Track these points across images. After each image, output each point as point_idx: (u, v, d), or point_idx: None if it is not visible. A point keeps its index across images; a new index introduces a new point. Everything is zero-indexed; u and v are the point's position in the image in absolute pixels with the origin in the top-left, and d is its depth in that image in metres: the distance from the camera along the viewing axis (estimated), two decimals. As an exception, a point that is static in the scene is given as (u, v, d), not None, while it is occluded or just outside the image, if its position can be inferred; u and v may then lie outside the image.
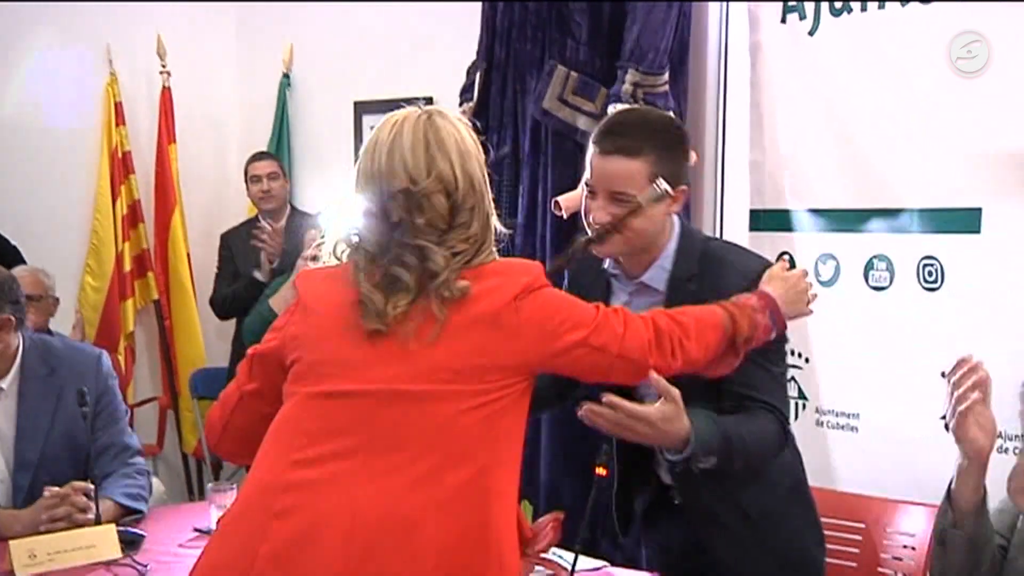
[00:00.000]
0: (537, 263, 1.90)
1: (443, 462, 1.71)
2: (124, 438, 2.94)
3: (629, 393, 2.13)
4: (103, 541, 2.51)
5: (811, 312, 2.17)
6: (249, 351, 1.95)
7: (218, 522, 1.83)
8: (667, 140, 2.18)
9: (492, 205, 1.85)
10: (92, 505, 2.63)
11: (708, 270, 2.20)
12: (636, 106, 2.86)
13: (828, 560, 2.66)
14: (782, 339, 2.19)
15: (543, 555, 2.13)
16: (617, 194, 2.13)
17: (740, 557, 2.25)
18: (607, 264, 2.31)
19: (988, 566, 2.08)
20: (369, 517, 1.68)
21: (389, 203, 1.77)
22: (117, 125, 5.07)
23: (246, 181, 4.91)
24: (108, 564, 2.47)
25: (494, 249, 1.84)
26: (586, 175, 2.18)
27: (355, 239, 1.82)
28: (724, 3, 3.54)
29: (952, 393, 2.04)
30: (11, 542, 2.44)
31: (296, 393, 1.80)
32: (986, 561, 2.08)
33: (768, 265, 2.22)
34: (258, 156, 4.97)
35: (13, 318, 2.74)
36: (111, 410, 2.92)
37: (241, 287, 4.58)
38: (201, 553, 1.80)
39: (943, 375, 2.06)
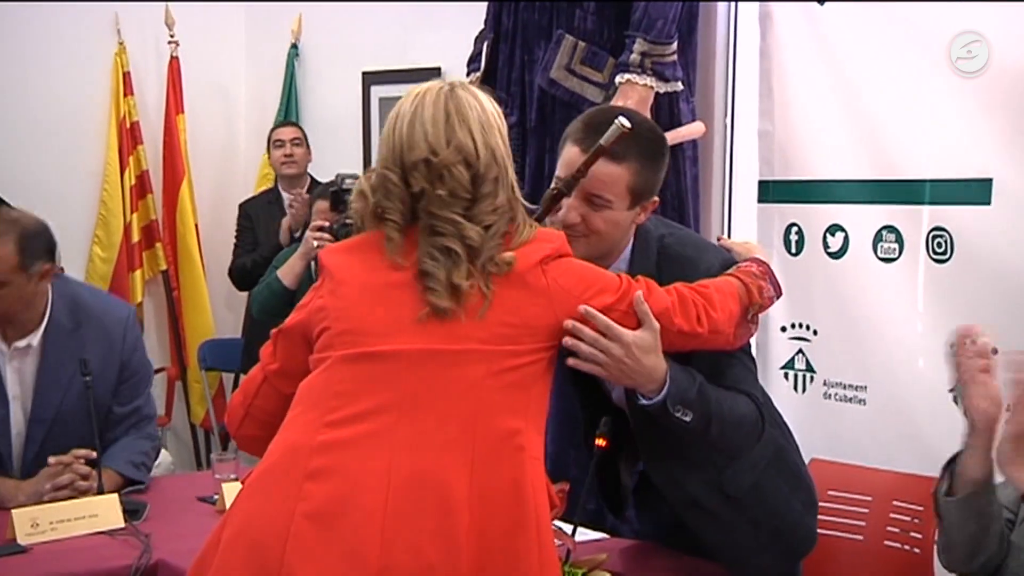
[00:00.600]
0: (561, 233, 1.92)
1: (474, 423, 1.73)
2: (144, 407, 2.95)
3: (598, 386, 2.10)
4: (106, 510, 2.51)
5: None
6: (273, 332, 1.96)
7: (243, 482, 1.84)
8: (651, 150, 2.13)
9: (515, 177, 1.87)
10: (94, 473, 2.63)
11: (667, 270, 2.13)
12: (621, 106, 2.70)
13: (835, 534, 2.66)
14: None
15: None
16: (594, 196, 2.08)
17: (727, 536, 2.22)
18: None
19: (996, 541, 2.06)
20: (404, 477, 1.70)
21: (411, 173, 1.80)
22: (125, 95, 5.07)
23: (269, 148, 4.92)
24: (111, 533, 2.46)
25: (534, 224, 1.87)
26: (558, 171, 2.11)
27: (379, 210, 1.83)
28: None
29: (956, 364, 2.02)
30: (13, 511, 2.44)
31: (326, 358, 1.81)
32: (994, 536, 2.05)
33: (728, 256, 2.19)
34: (283, 123, 5.00)
35: (54, 266, 2.77)
36: (136, 380, 2.93)
37: (265, 252, 4.55)
38: (228, 513, 1.81)
39: (950, 346, 2.05)
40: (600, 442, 2.25)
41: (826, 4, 3.24)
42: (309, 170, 4.99)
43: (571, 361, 1.87)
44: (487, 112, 1.84)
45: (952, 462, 2.08)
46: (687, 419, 2.01)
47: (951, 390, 2.09)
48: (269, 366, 1.95)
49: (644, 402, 2.02)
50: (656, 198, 2.18)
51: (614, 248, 2.17)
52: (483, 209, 1.81)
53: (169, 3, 5.11)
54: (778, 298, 2.14)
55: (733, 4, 3.58)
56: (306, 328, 1.87)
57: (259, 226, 4.80)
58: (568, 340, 1.85)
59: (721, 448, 2.14)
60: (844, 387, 3.30)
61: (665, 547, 2.40)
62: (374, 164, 1.88)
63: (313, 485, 1.70)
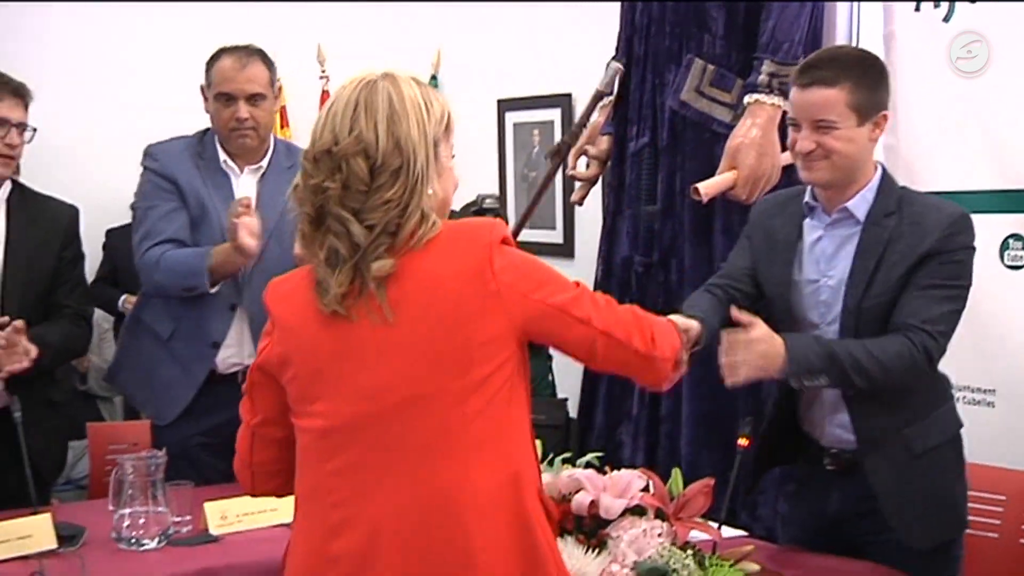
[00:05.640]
0: (490, 219, 1.75)
1: (464, 460, 1.65)
2: None
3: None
4: (37, 531, 2.42)
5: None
6: (244, 387, 1.87)
7: None
8: (862, 69, 2.27)
9: (430, 171, 1.68)
10: None
11: (907, 210, 2.26)
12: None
13: (971, 532, 2.61)
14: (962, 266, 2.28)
15: (696, 520, 2.14)
16: (819, 122, 2.23)
17: (895, 486, 2.27)
18: (806, 197, 2.37)
19: None
20: (417, 527, 1.64)
21: (316, 164, 1.68)
22: (282, 127, 5.25)
23: None
24: (42, 557, 2.37)
25: (436, 220, 1.69)
26: (790, 113, 2.34)
27: (299, 200, 1.72)
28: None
29: None
30: None
31: (301, 429, 1.74)
32: None
33: (956, 210, 2.29)
34: None
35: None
36: None
37: None
38: None
39: None
40: (742, 441, 2.28)
41: (951, 21, 3.19)
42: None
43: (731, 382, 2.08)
44: (404, 101, 1.67)
45: None
46: (823, 382, 2.17)
47: None
48: (252, 420, 1.85)
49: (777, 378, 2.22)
50: (886, 112, 2.31)
51: (856, 170, 2.29)
52: (373, 203, 1.65)
53: (320, 40, 5.28)
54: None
55: (856, 24, 3.55)
56: (274, 373, 1.77)
57: None
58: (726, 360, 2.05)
59: (879, 388, 2.23)
60: (972, 391, 3.23)
61: (813, 550, 2.40)
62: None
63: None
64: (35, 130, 2.94)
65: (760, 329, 2.14)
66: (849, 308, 2.27)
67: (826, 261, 2.35)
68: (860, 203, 2.30)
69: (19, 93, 2.89)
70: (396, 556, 1.64)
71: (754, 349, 2.12)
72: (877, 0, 3.42)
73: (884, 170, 2.36)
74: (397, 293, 1.65)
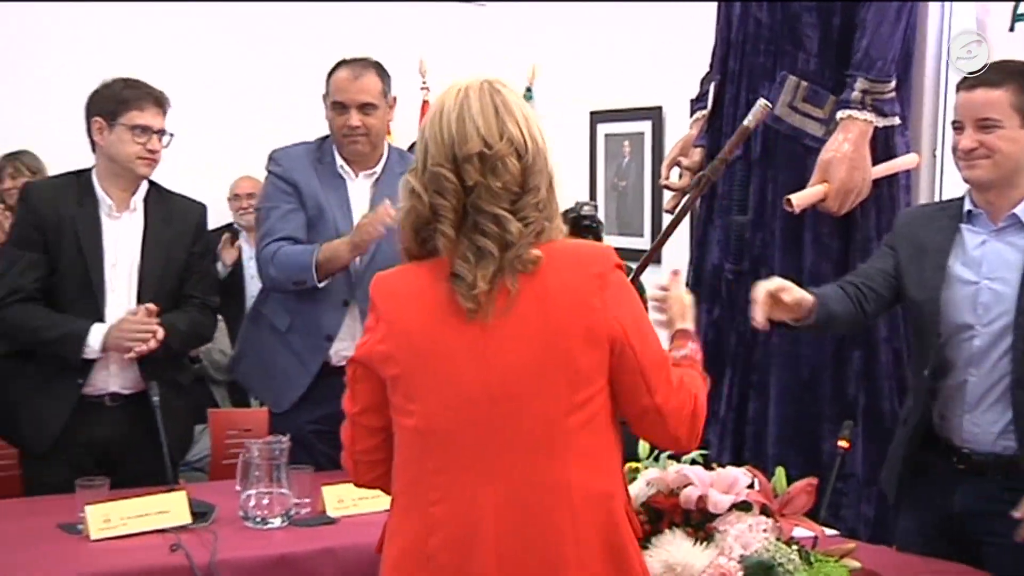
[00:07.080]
0: (609, 247, 1.79)
1: (563, 471, 1.67)
2: None
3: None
4: (174, 507, 2.52)
5: None
6: (347, 379, 1.86)
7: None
8: None
9: (554, 169, 1.75)
10: None
11: None
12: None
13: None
14: None
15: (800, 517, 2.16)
16: (981, 120, 2.29)
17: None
18: (967, 205, 2.37)
19: None
20: (513, 530, 1.66)
21: (464, 167, 1.67)
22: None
23: None
24: (178, 531, 2.47)
25: (562, 225, 1.75)
26: (952, 117, 2.43)
27: (433, 209, 1.70)
28: (947, 3, 3.42)
29: None
30: (87, 507, 2.46)
31: (401, 426, 1.75)
32: None
33: None
34: None
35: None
36: None
37: None
38: None
39: None
40: (843, 444, 2.29)
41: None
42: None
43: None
44: (525, 105, 1.75)
45: None
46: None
47: None
48: (352, 411, 1.84)
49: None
50: None
51: (1017, 172, 2.33)
52: (528, 203, 1.68)
53: (422, 55, 5.38)
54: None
55: (947, 42, 3.52)
56: (375, 368, 1.77)
57: None
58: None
59: None
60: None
61: (926, 547, 2.40)
62: (427, 162, 1.72)
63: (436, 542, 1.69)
64: (172, 135, 3.05)
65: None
66: None
67: (988, 264, 2.35)
68: None
69: (160, 102, 3.01)
70: (491, 556, 1.66)
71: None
72: (969, 1, 3.38)
73: None
74: (517, 300, 1.68)
